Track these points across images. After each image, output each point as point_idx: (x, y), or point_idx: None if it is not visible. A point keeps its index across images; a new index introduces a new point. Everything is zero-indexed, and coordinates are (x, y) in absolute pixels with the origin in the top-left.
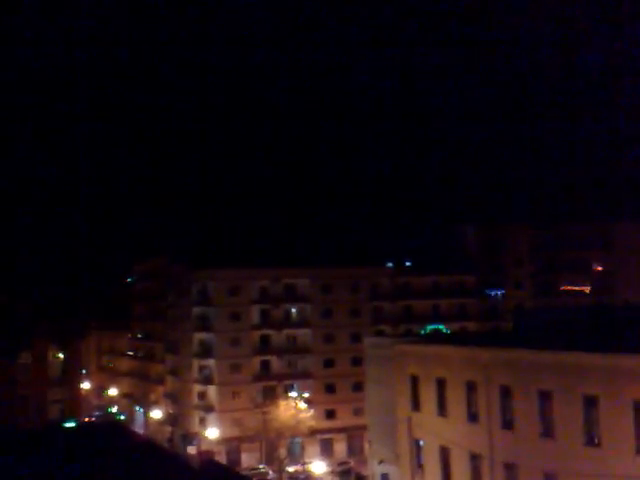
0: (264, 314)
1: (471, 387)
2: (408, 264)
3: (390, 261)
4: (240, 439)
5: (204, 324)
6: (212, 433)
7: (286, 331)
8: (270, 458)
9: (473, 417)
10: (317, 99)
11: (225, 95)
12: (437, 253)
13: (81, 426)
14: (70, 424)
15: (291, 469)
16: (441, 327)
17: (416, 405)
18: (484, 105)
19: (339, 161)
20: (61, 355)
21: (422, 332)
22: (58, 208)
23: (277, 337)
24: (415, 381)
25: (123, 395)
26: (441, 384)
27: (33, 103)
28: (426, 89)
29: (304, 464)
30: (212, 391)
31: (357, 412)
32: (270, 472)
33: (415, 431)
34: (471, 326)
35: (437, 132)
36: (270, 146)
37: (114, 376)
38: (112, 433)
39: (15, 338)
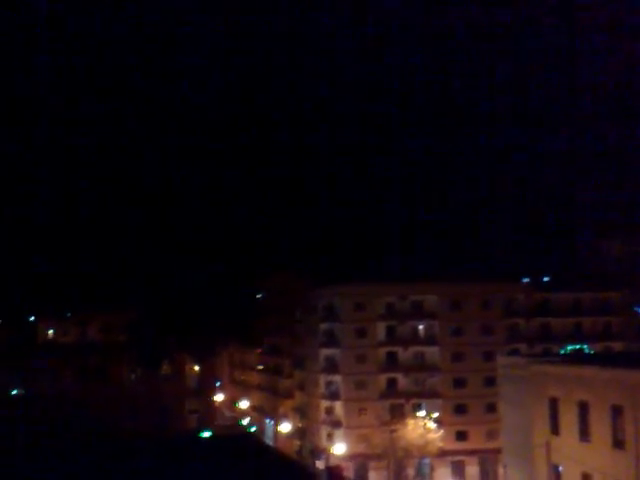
0: (390, 331)
1: (617, 411)
2: (546, 279)
3: (526, 277)
4: (367, 456)
5: (330, 340)
6: (339, 449)
7: (413, 348)
8: (398, 477)
9: (619, 443)
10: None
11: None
12: (578, 269)
13: (216, 436)
14: (206, 434)
15: None
16: (583, 347)
17: (555, 429)
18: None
19: (472, 172)
20: (197, 368)
21: (562, 352)
22: (189, 224)
23: (404, 354)
24: (554, 403)
25: (253, 408)
26: (583, 407)
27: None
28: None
29: None
30: (339, 407)
31: (490, 434)
32: None
33: (554, 456)
34: (617, 346)
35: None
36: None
37: (245, 389)
38: (246, 444)
39: (157, 350)
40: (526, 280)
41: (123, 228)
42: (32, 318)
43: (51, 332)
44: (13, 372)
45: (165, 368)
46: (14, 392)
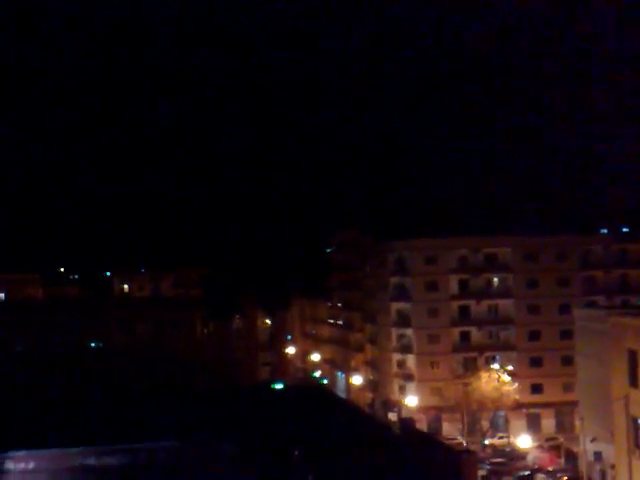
0: (463, 284)
1: None
2: (625, 230)
3: (604, 227)
4: (440, 409)
5: (401, 294)
6: (412, 401)
7: (486, 301)
8: (472, 429)
9: None
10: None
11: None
12: None
13: (288, 388)
14: (278, 385)
15: (487, 441)
16: None
17: (634, 382)
18: None
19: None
20: (268, 322)
21: None
22: (261, 185)
23: (477, 308)
24: (633, 356)
25: (325, 360)
26: None
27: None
28: None
29: (502, 437)
30: (411, 360)
31: (567, 387)
32: (464, 443)
33: (633, 409)
34: None
35: None
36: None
37: (316, 342)
38: (317, 395)
39: (229, 305)
40: (604, 231)
41: (201, 191)
42: (108, 274)
43: (126, 287)
44: (91, 326)
45: (237, 322)
46: (92, 345)
